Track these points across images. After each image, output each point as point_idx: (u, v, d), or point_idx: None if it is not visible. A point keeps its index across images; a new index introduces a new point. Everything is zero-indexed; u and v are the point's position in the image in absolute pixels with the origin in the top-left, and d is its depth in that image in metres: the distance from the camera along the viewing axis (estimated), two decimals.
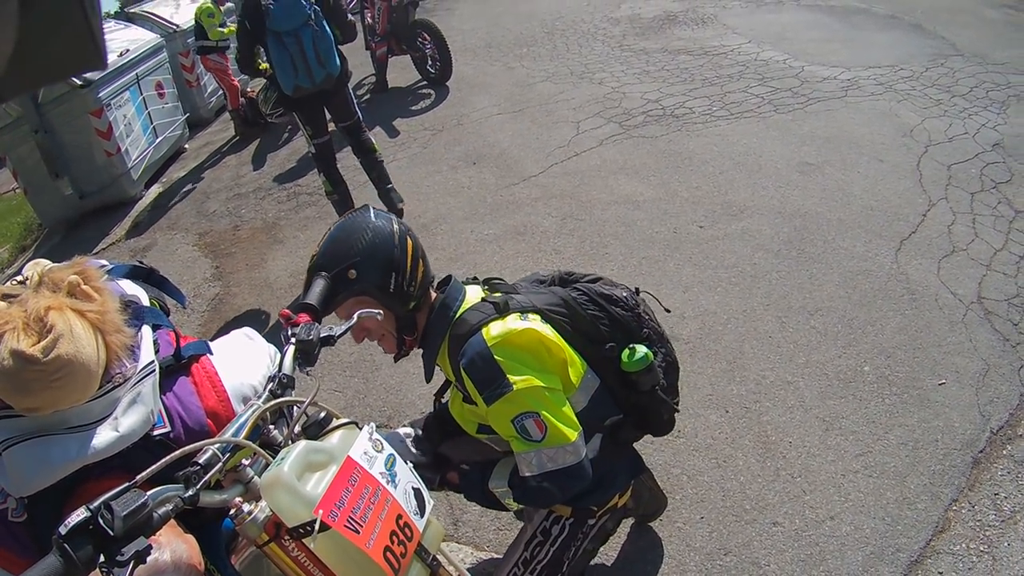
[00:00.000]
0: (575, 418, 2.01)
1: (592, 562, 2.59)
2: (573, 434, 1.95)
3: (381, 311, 1.97)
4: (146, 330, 1.70)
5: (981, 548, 2.69)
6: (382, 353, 4.20)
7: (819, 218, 4.90)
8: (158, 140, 9.05)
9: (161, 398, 1.64)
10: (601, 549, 2.62)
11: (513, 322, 2.00)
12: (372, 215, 2.08)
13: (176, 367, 1.73)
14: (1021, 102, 6.41)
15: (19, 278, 1.67)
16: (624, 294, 2.31)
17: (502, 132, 7.42)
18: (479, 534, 3.09)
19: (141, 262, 1.87)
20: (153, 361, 1.64)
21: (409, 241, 2.08)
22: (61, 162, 7.91)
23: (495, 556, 2.93)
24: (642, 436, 2.41)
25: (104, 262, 1.96)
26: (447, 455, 2.52)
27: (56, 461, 1.44)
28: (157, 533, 1.38)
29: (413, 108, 8.66)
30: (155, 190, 8.67)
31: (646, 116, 7.06)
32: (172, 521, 1.46)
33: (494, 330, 1.97)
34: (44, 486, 1.44)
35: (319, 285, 1.97)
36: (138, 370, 1.59)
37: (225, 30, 9.04)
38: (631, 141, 6.59)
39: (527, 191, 6.08)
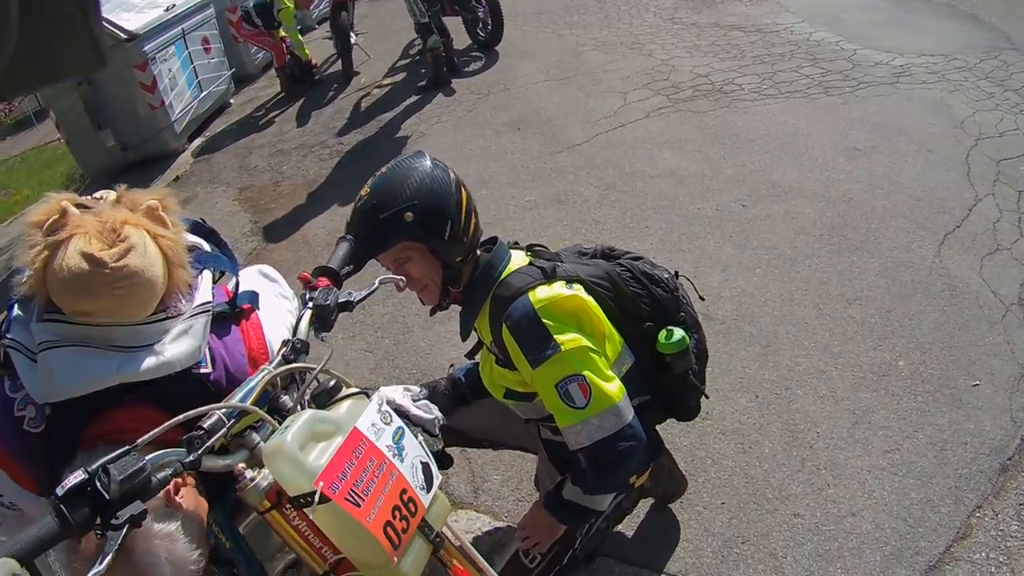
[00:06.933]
0: (619, 380, 1.99)
1: (609, 540, 2.60)
2: (617, 395, 1.93)
3: (403, 278, 1.95)
4: (207, 274, 1.72)
5: (1000, 559, 2.60)
6: (415, 315, 4.30)
7: (863, 205, 4.75)
8: (203, 95, 9.08)
9: (209, 340, 1.64)
10: (618, 527, 2.63)
11: (559, 288, 1.99)
12: (429, 161, 2.04)
13: (228, 316, 1.73)
14: None
15: (97, 195, 1.67)
16: (665, 275, 2.28)
17: (548, 99, 7.32)
18: (498, 504, 3.10)
19: (203, 220, 1.87)
20: (209, 301, 1.65)
21: (463, 191, 2.07)
22: (104, 114, 7.99)
23: (513, 526, 2.93)
24: (666, 419, 2.40)
25: None
26: (462, 428, 2.52)
27: (94, 373, 1.43)
28: (180, 496, 1.39)
29: (461, 71, 8.57)
30: (198, 143, 8.76)
31: (694, 90, 6.89)
32: (191, 482, 1.47)
33: (540, 294, 1.96)
34: (73, 395, 1.43)
35: (343, 249, 1.96)
36: (193, 307, 1.61)
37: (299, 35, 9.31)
38: (678, 115, 6.45)
39: (570, 159, 6.01)
